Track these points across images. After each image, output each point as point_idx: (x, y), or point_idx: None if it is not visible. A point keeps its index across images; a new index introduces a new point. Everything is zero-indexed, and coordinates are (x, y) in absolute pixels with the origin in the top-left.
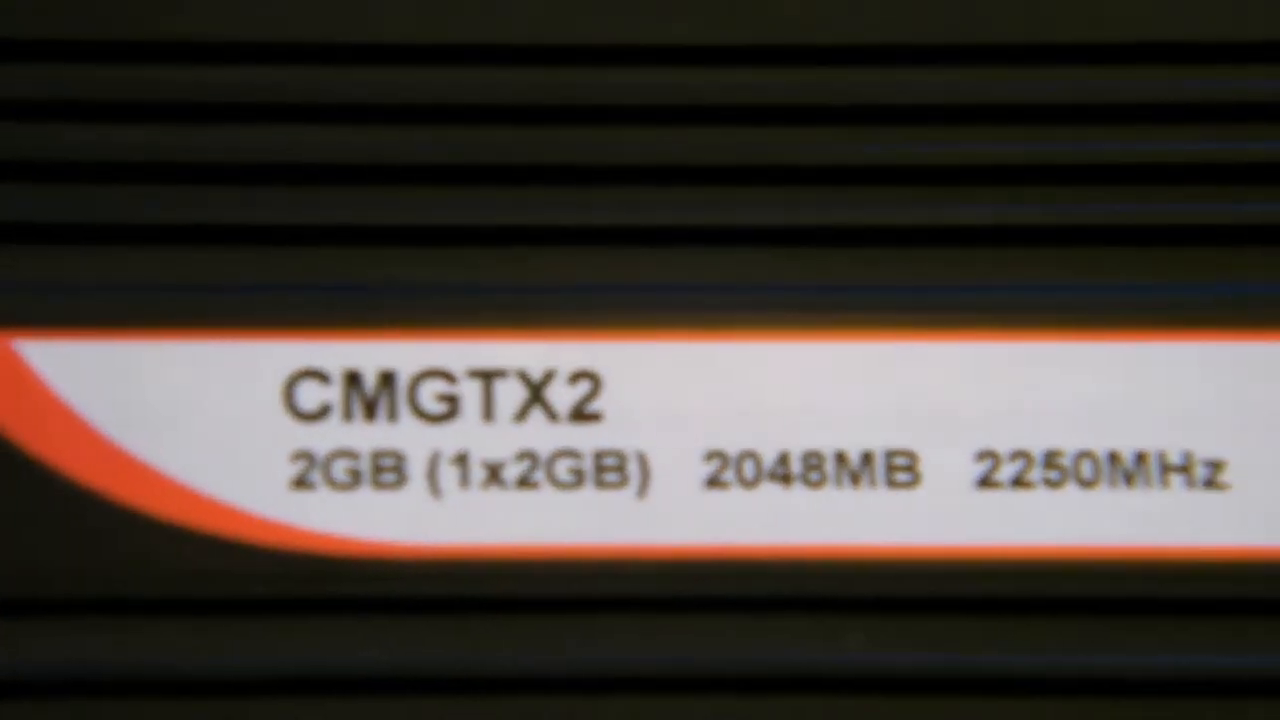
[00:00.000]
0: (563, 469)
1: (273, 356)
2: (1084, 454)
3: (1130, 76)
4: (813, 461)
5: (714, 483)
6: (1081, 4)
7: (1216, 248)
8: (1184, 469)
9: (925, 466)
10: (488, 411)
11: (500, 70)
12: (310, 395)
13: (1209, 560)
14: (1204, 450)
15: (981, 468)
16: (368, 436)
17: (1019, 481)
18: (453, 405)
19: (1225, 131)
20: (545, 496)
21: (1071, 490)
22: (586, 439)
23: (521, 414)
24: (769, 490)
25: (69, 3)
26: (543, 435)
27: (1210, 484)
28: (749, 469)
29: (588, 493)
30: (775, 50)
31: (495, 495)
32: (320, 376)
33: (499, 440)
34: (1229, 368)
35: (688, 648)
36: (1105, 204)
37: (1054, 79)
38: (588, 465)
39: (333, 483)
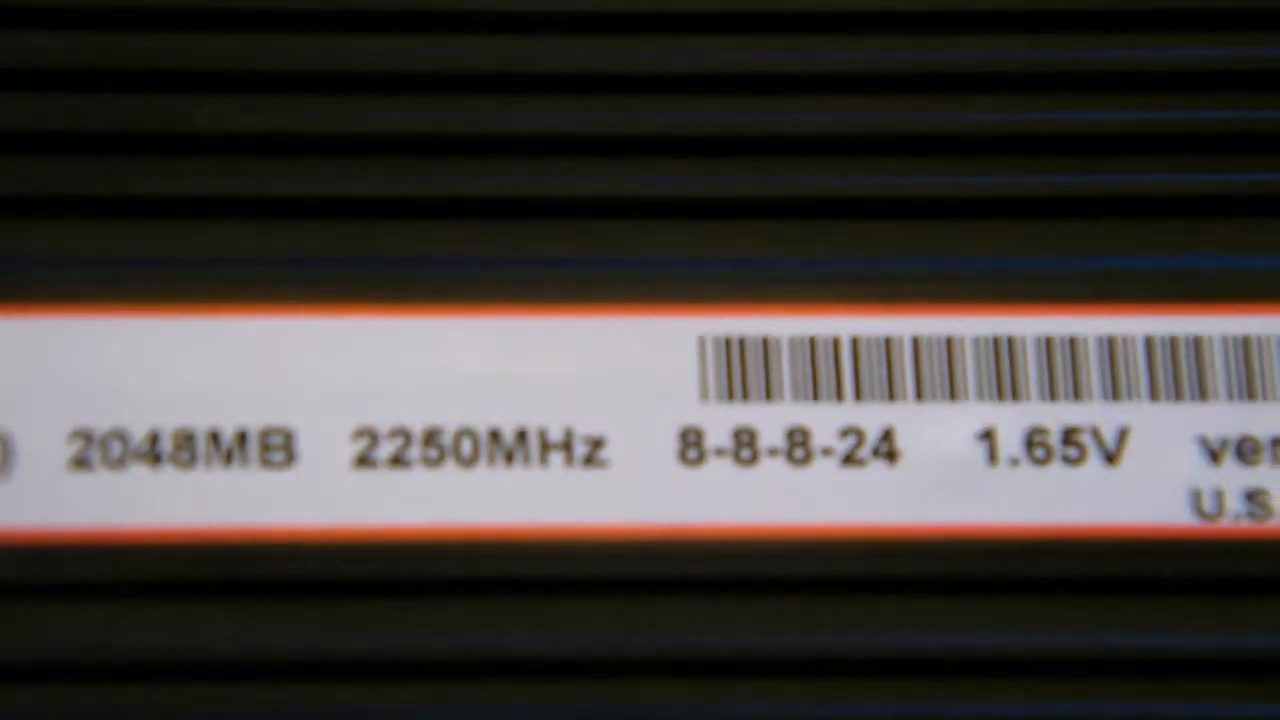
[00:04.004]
0: None
1: None
2: (464, 431)
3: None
4: (182, 441)
5: (79, 464)
6: None
7: (587, 221)
8: (564, 446)
9: (300, 445)
10: None
11: None
12: None
13: (592, 539)
14: (584, 427)
15: (359, 446)
16: None
17: (397, 460)
18: None
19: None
20: None
21: (449, 468)
22: None
23: None
24: (136, 472)
25: None
26: None
27: (590, 461)
28: (115, 449)
29: None
30: None
31: None
32: None
33: None
34: (607, 342)
35: None
36: (462, 175)
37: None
38: None
39: None
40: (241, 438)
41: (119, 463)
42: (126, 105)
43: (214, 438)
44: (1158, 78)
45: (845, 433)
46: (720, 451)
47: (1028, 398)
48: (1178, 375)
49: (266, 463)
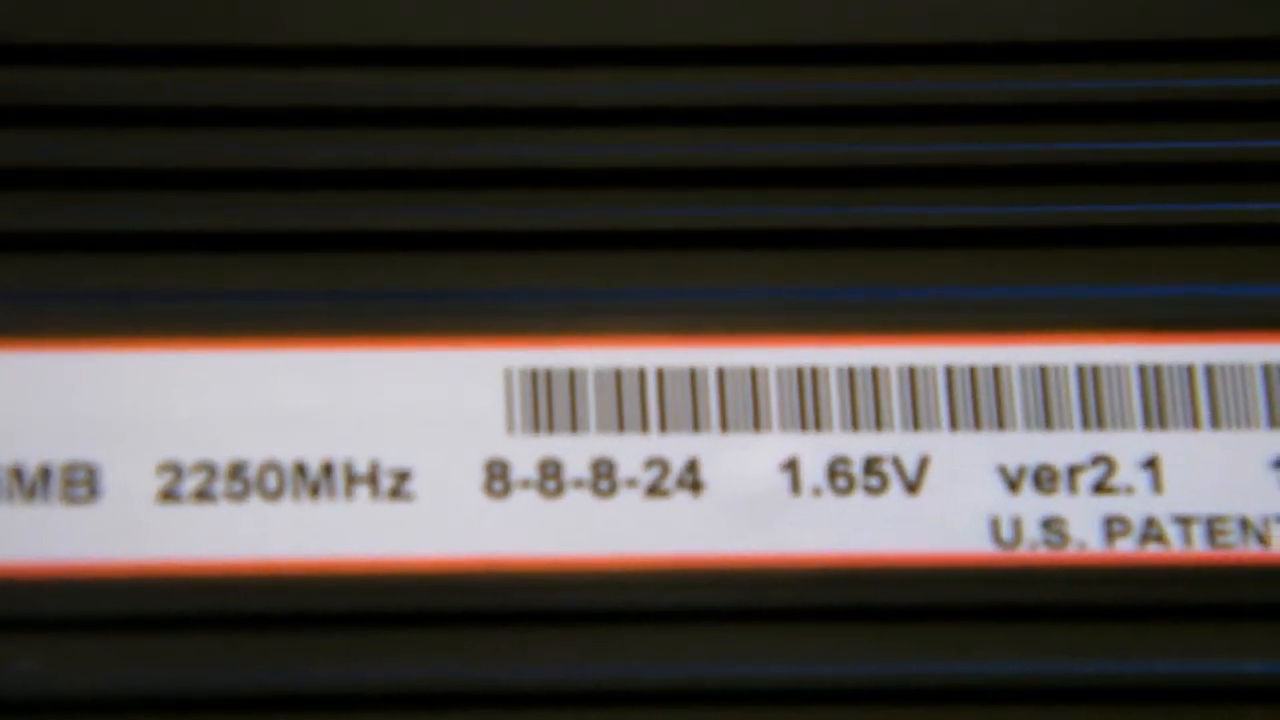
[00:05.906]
0: None
1: None
2: (269, 465)
3: None
4: None
5: None
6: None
7: (393, 253)
8: (369, 479)
9: (104, 480)
10: None
11: None
12: None
13: (398, 572)
14: (389, 460)
15: (163, 480)
16: None
17: (202, 494)
18: None
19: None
20: None
21: (255, 502)
22: None
23: None
24: None
25: None
26: None
27: (396, 494)
28: None
29: None
30: None
31: None
32: None
33: None
34: (413, 374)
35: None
36: (267, 208)
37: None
38: None
39: None
40: (45, 473)
41: None
42: None
43: (16, 473)
44: (968, 110)
45: (650, 464)
46: (526, 483)
47: (830, 428)
48: (977, 405)
49: (70, 498)
